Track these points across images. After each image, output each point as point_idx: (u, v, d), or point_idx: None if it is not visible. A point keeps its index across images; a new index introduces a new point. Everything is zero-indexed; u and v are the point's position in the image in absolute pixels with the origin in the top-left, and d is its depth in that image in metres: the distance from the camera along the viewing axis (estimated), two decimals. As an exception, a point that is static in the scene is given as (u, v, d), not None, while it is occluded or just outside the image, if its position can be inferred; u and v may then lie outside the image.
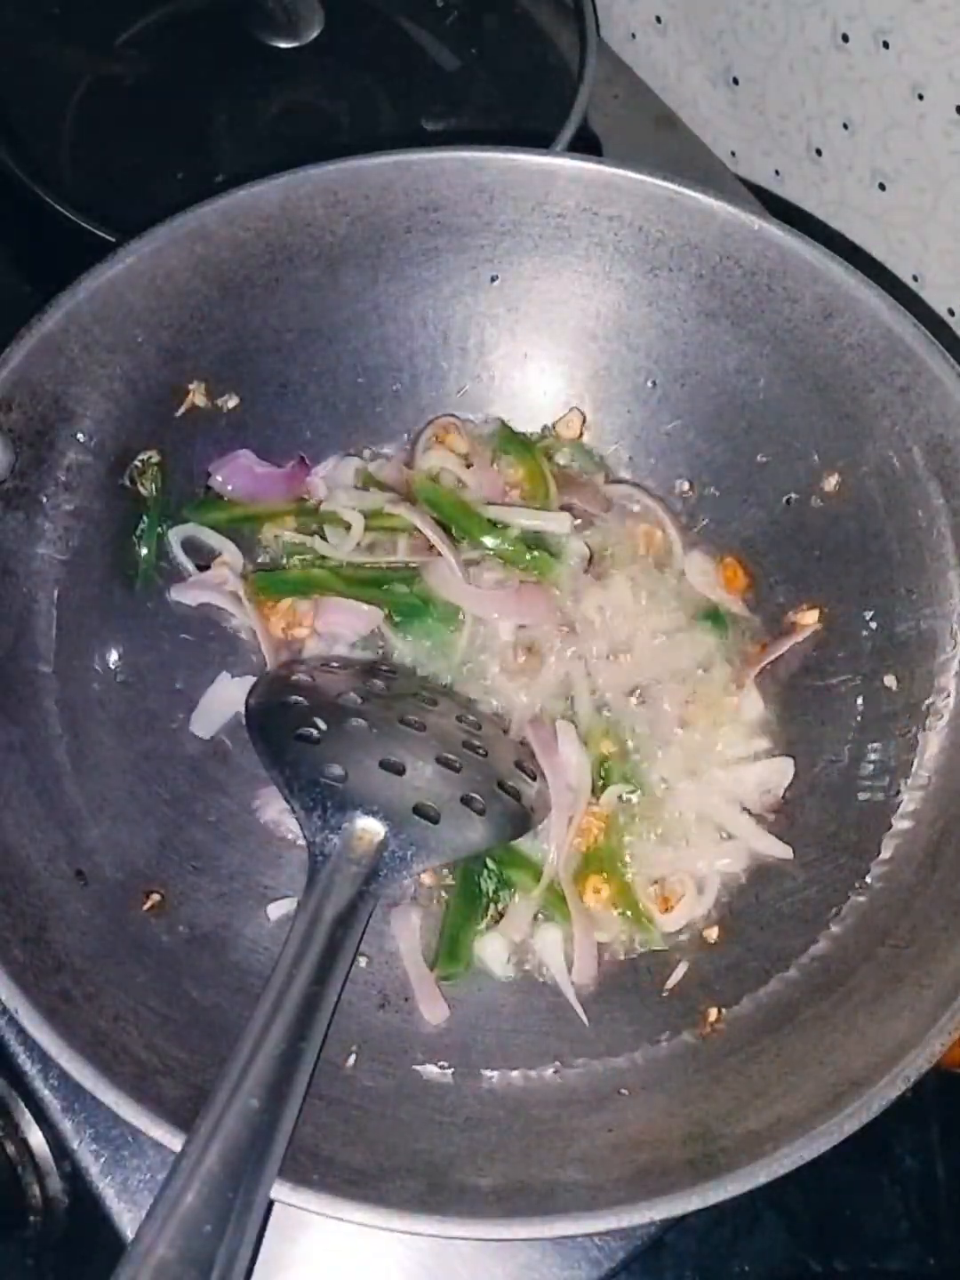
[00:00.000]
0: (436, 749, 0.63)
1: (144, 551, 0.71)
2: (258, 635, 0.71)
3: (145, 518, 0.71)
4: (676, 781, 0.70)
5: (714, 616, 0.74)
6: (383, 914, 0.67)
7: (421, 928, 0.66)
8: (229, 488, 0.74)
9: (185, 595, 0.72)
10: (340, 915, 0.56)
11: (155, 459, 0.71)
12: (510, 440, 0.77)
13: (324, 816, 0.60)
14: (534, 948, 0.66)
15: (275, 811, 0.68)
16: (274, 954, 0.64)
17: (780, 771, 0.70)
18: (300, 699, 0.65)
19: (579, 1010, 0.64)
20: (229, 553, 0.73)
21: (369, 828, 0.59)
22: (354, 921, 0.56)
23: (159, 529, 0.71)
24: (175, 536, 0.72)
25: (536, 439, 0.78)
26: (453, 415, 0.78)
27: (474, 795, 0.62)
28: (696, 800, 0.69)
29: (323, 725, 0.63)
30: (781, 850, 0.67)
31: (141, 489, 0.71)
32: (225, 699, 0.70)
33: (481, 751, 0.65)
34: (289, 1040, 0.50)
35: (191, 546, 0.73)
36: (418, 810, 0.61)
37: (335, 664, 0.70)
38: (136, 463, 0.70)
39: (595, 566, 0.75)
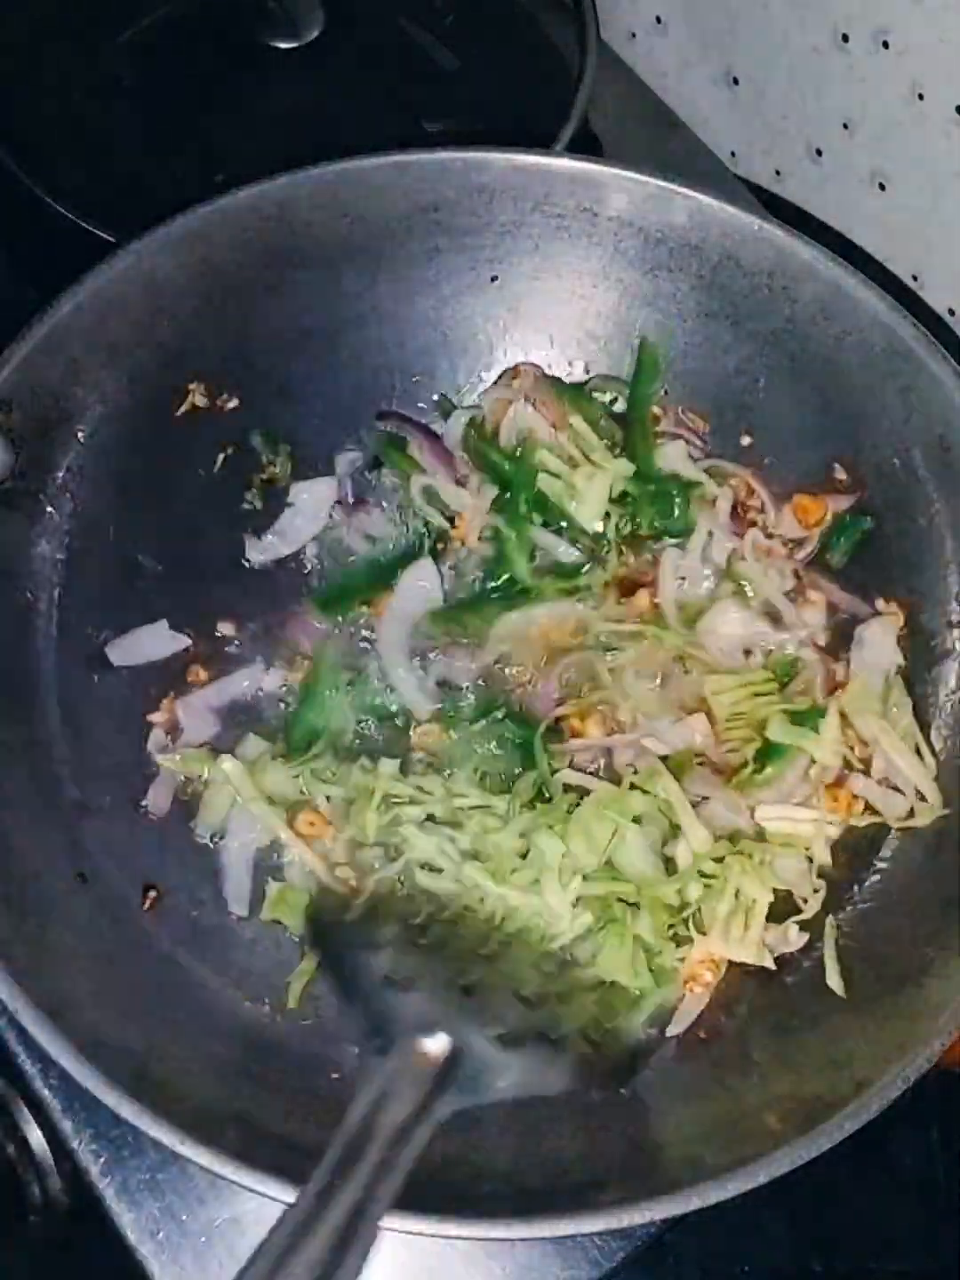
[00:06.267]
0: (511, 983, 0.58)
1: None
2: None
3: None
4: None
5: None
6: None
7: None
8: None
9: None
10: (401, 1126, 0.47)
11: None
12: (565, 389, 0.76)
13: (385, 1025, 0.52)
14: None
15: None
16: (274, 956, 0.64)
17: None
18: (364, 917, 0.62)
19: None
20: None
21: (438, 1043, 0.51)
22: (412, 1139, 0.47)
23: None
24: None
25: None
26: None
27: (554, 1035, 0.55)
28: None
29: (390, 936, 0.59)
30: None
31: None
32: (152, 644, 0.69)
33: (559, 997, 0.59)
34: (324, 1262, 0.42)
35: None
36: (497, 1036, 0.53)
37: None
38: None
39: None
